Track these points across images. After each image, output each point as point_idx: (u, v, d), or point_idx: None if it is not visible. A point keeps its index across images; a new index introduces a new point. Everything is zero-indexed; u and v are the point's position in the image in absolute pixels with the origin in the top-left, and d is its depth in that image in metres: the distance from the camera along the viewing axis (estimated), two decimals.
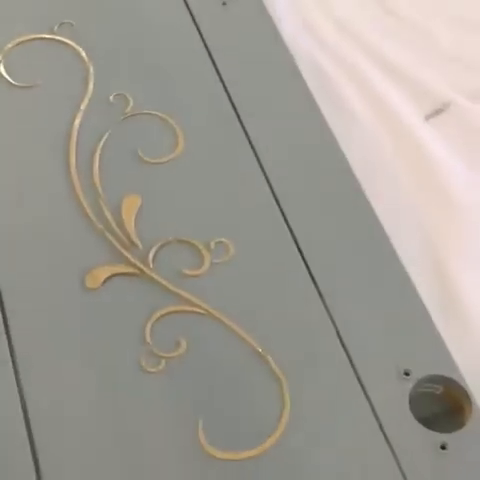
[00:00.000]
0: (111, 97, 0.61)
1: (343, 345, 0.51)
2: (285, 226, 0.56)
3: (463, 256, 0.60)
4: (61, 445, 0.47)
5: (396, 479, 0.47)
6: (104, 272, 0.53)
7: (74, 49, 0.63)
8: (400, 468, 0.48)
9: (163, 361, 0.50)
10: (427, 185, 0.63)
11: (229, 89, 0.62)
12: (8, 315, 0.51)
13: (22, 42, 0.63)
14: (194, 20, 0.66)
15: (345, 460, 0.48)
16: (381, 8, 0.73)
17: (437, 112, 0.65)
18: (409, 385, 0.50)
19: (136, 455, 0.47)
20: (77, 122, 0.59)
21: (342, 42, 0.71)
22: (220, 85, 0.62)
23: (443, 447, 0.48)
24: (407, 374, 0.51)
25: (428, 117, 0.65)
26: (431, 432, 0.49)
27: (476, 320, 0.57)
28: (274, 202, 0.57)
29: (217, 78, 0.63)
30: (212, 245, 0.55)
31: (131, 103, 0.60)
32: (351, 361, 0.51)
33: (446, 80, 0.66)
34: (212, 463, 0.47)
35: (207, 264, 0.54)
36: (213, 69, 0.63)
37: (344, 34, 0.71)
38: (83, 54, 0.62)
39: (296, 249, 0.55)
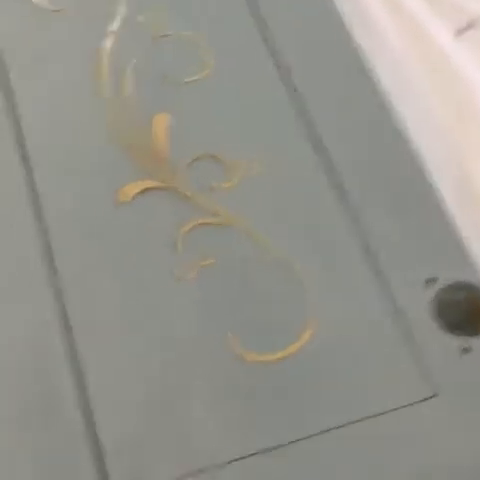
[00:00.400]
0: (141, 17, 0.62)
1: (368, 252, 0.53)
2: (310, 145, 0.57)
3: None
4: (99, 342, 0.50)
5: (419, 382, 0.49)
6: (135, 187, 0.55)
7: None
8: (427, 376, 0.50)
9: (194, 270, 0.52)
10: (456, 100, 0.63)
11: (260, 8, 0.63)
12: (49, 226, 0.53)
13: None
14: None
15: (369, 369, 0.50)
16: None
17: (468, 27, 0.65)
18: (432, 292, 0.52)
19: (167, 356, 0.50)
20: (108, 43, 0.60)
21: None
22: (250, 5, 0.63)
23: (467, 350, 0.50)
24: (431, 281, 0.52)
25: (459, 32, 0.64)
26: (455, 336, 0.50)
27: None
28: (302, 122, 0.58)
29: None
30: (241, 162, 0.56)
31: (161, 24, 0.61)
32: (376, 268, 0.52)
33: None
34: (242, 366, 0.50)
35: (236, 179, 0.55)
36: None
37: None
38: None
39: (323, 166, 0.56)
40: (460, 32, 0.65)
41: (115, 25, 0.61)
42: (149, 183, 0.55)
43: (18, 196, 0.55)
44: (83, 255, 0.53)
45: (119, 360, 0.50)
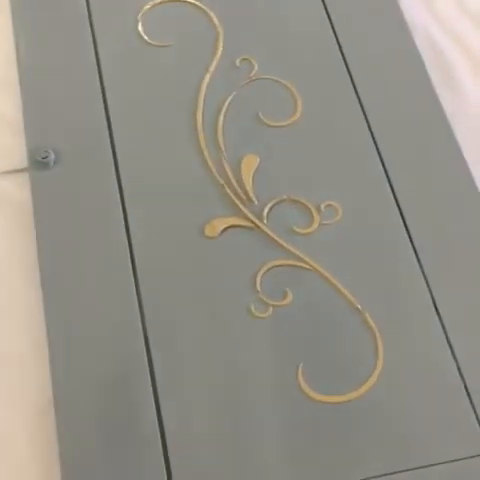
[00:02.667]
0: (238, 61, 0.65)
1: (436, 309, 0.56)
2: (391, 196, 0.60)
3: None
4: (177, 372, 0.53)
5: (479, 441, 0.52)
6: (222, 223, 0.58)
7: (206, 13, 0.67)
8: (477, 415, 0.52)
9: (270, 308, 0.55)
10: None
11: (347, 59, 0.66)
12: (136, 256, 0.57)
13: (158, 4, 0.68)
14: None
15: (428, 416, 0.53)
16: None
17: None
18: None
19: (239, 390, 0.53)
20: (205, 82, 0.64)
21: (458, 18, 0.73)
22: (339, 55, 0.66)
23: None
24: None
25: None
26: None
27: None
28: (382, 171, 0.61)
29: (337, 48, 0.66)
30: (322, 207, 0.59)
31: (256, 68, 0.65)
32: (442, 323, 0.55)
33: None
34: (308, 404, 0.53)
35: (316, 224, 0.59)
36: (334, 40, 0.67)
37: (461, 11, 0.73)
38: (214, 18, 0.67)
39: (400, 219, 0.59)
40: None
41: (213, 65, 0.65)
42: (235, 220, 0.58)
43: (110, 220, 0.59)
44: (167, 284, 0.56)
45: (193, 389, 0.53)
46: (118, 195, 0.59)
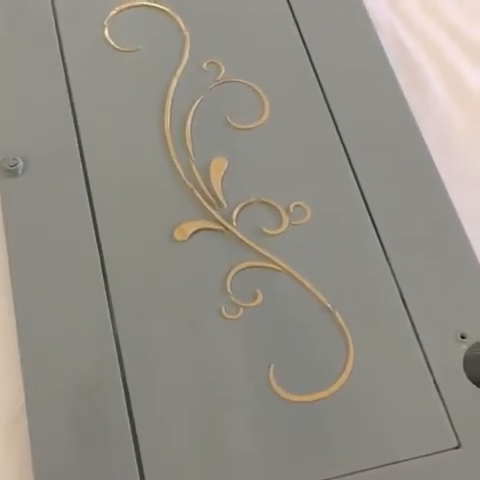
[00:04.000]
0: (204, 64, 0.65)
1: (405, 306, 0.56)
2: (359, 195, 0.60)
3: None
4: (149, 375, 0.54)
5: (448, 436, 0.53)
6: (191, 226, 0.59)
7: (172, 17, 0.67)
8: (453, 427, 0.53)
9: (241, 310, 0.56)
10: None
11: (314, 60, 0.66)
12: (106, 260, 0.57)
13: (124, 9, 0.68)
14: None
15: (398, 413, 0.53)
16: None
17: None
18: (464, 347, 0.55)
19: (210, 390, 0.53)
20: (172, 86, 0.64)
21: (424, 17, 0.74)
22: (306, 56, 0.66)
23: None
24: (463, 337, 0.55)
25: None
26: None
27: None
28: (350, 171, 0.61)
29: (303, 49, 0.67)
30: (291, 208, 0.60)
31: (223, 71, 0.65)
32: (411, 320, 0.56)
33: None
34: (280, 403, 0.53)
35: (285, 225, 0.59)
36: (300, 40, 0.67)
37: (427, 10, 0.74)
38: (181, 22, 0.67)
39: (368, 218, 0.60)
40: None
41: (180, 69, 0.65)
42: (204, 223, 0.59)
43: (79, 224, 0.59)
44: (137, 288, 0.57)
45: (165, 392, 0.53)
46: (87, 200, 0.59)
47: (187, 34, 0.67)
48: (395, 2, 0.75)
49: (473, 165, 0.67)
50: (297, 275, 0.57)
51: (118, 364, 0.54)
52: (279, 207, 0.60)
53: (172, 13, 0.67)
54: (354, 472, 0.51)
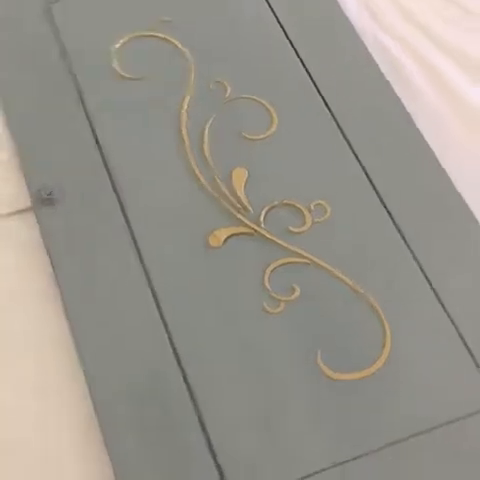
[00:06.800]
0: (211, 85, 0.70)
1: (430, 285, 0.61)
2: (371, 188, 0.65)
3: None
4: (208, 372, 0.58)
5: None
6: (224, 233, 0.63)
7: (175, 45, 0.72)
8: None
9: (282, 304, 0.60)
10: None
11: (310, 71, 0.71)
12: (150, 273, 0.61)
13: (130, 39, 0.72)
14: (273, 11, 0.75)
15: (436, 382, 0.58)
16: None
17: None
18: None
19: (266, 380, 0.58)
20: (185, 108, 0.69)
21: (404, 26, 0.79)
22: (302, 69, 0.71)
23: None
24: None
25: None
26: None
27: None
28: (359, 168, 0.66)
29: (298, 61, 0.72)
30: (312, 206, 0.64)
31: (229, 89, 0.70)
32: (437, 297, 0.61)
33: None
34: (329, 383, 0.58)
35: (309, 222, 0.64)
36: (293, 53, 0.72)
37: (407, 19, 0.79)
38: (184, 50, 0.72)
39: (382, 206, 0.65)
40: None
41: (189, 91, 0.70)
42: (235, 229, 0.63)
43: (120, 242, 0.63)
44: (184, 297, 0.61)
45: (226, 385, 0.57)
46: (124, 223, 0.63)
47: (192, 59, 0.71)
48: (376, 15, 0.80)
49: None
50: (327, 266, 0.62)
51: (178, 368, 0.58)
52: (301, 207, 0.64)
53: (175, 41, 0.72)
54: (408, 437, 0.56)
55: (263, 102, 0.69)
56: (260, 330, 0.59)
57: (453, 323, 0.60)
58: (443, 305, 0.60)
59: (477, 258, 0.63)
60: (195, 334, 0.59)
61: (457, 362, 0.59)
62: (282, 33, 0.74)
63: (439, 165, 0.67)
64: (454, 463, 0.56)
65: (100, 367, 0.58)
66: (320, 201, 0.65)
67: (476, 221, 0.64)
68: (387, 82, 0.71)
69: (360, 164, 0.67)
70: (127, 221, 0.63)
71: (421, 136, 0.68)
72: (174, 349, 0.58)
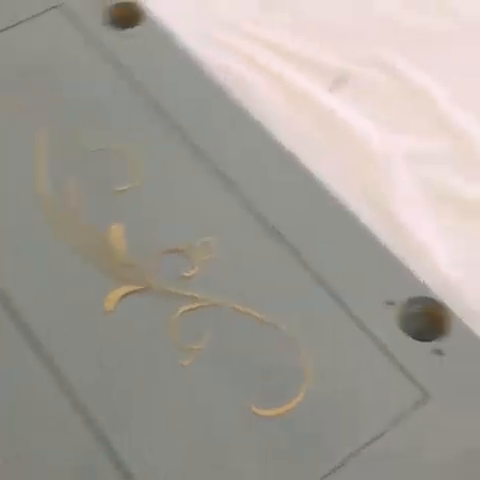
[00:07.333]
0: (69, 135, 0.67)
1: (333, 296, 0.61)
2: (254, 215, 0.64)
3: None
4: (132, 446, 0.54)
5: (414, 391, 0.57)
6: (115, 295, 0.60)
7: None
8: (415, 382, 0.57)
9: (194, 353, 0.58)
10: (346, 145, 0.73)
11: (165, 109, 0.70)
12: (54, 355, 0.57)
13: None
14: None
15: (354, 381, 0.57)
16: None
17: (338, 83, 0.75)
18: (394, 311, 0.60)
19: (197, 437, 0.55)
20: (44, 162, 0.65)
21: (234, 40, 0.80)
22: (155, 109, 0.70)
23: (439, 352, 0.59)
24: (390, 303, 0.61)
25: (332, 89, 0.75)
26: (425, 343, 0.59)
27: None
28: (238, 195, 0.65)
29: (145, 100, 0.71)
30: (197, 245, 0.62)
31: (89, 140, 0.67)
32: (340, 301, 0.60)
33: (339, 54, 0.76)
34: (261, 421, 0.55)
35: (199, 263, 0.62)
36: (141, 94, 0.71)
37: (234, 33, 0.80)
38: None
39: (274, 231, 0.64)
40: (332, 88, 0.76)
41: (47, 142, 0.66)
42: (127, 288, 0.60)
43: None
44: (96, 370, 0.57)
45: (156, 452, 0.54)
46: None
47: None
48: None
49: None
50: (230, 303, 0.60)
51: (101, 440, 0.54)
52: (187, 249, 0.62)
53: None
54: (346, 458, 0.54)
55: (129, 152, 0.67)
56: (179, 385, 0.57)
57: (370, 335, 0.59)
58: (355, 319, 0.60)
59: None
60: (114, 407, 0.56)
61: (381, 372, 0.58)
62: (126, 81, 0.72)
63: (318, 182, 0.67)
64: (396, 469, 0.55)
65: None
66: (205, 238, 0.63)
67: (353, 217, 0.65)
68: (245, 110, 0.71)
69: (240, 194, 0.66)
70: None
71: (284, 147, 0.68)
72: (97, 429, 0.55)
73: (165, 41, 0.75)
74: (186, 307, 0.60)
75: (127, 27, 0.75)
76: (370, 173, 0.71)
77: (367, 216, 0.67)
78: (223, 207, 0.65)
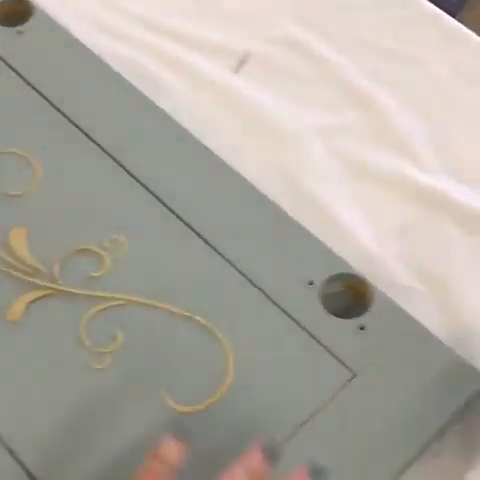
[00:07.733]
0: None
1: (251, 284, 0.58)
2: (164, 207, 0.62)
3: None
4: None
5: (341, 371, 0.55)
6: (21, 303, 0.57)
7: None
8: (341, 361, 0.55)
9: (109, 355, 0.55)
10: (258, 126, 0.70)
11: (64, 110, 0.67)
12: None
13: None
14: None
15: (279, 368, 0.55)
16: None
17: (242, 64, 0.73)
18: (315, 290, 0.58)
19: (116, 441, 0.52)
20: None
21: (134, 29, 0.77)
22: (52, 108, 0.67)
23: (362, 327, 0.57)
24: (310, 283, 0.58)
25: (237, 70, 0.72)
26: (350, 320, 0.57)
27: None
28: (146, 191, 0.63)
29: (48, 103, 0.67)
30: (107, 244, 0.59)
31: None
32: (259, 286, 0.58)
33: (241, 36, 0.74)
34: (181, 418, 0.53)
35: (109, 261, 0.59)
36: (40, 95, 0.68)
37: (136, 23, 0.77)
38: None
39: (184, 224, 0.61)
40: (238, 69, 0.73)
41: None
42: (32, 295, 0.57)
43: None
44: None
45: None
46: None
47: None
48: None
49: None
50: (143, 300, 0.57)
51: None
52: (95, 248, 0.59)
53: None
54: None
55: (26, 156, 0.64)
56: (95, 390, 0.54)
57: (290, 316, 0.57)
58: (276, 303, 0.57)
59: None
60: (26, 424, 0.53)
61: (307, 354, 0.56)
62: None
63: (228, 167, 0.65)
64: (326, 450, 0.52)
65: None
66: (114, 236, 0.60)
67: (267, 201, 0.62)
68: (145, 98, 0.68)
69: (147, 189, 0.63)
70: None
71: (200, 143, 0.66)
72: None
73: (58, 36, 0.71)
74: (97, 308, 0.57)
75: (17, 24, 0.72)
76: (283, 150, 0.69)
77: (281, 195, 0.64)
78: (130, 204, 0.62)
